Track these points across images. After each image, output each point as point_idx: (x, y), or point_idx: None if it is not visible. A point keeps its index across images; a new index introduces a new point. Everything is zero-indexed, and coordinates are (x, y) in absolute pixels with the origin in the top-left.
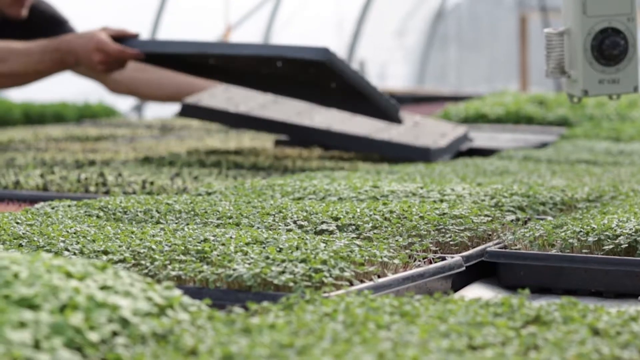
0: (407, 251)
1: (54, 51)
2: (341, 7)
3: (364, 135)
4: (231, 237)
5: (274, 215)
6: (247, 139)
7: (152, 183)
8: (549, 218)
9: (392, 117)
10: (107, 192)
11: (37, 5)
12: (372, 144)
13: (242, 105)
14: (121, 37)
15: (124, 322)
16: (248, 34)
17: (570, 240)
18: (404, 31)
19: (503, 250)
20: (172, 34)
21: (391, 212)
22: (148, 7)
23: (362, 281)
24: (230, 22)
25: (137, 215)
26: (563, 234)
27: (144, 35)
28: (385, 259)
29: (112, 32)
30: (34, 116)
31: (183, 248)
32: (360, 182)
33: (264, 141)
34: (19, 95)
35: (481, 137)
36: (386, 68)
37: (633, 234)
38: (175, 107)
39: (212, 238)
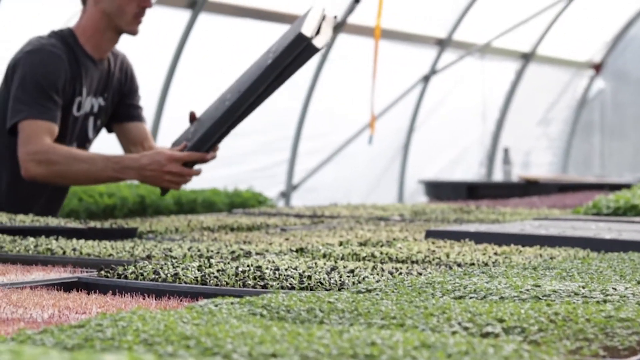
0: (576, 356)
1: (116, 163)
2: (485, 96)
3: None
4: (398, 341)
5: (437, 316)
6: (397, 230)
7: (309, 277)
8: None
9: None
10: (264, 287)
11: (131, 68)
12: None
13: None
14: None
15: None
16: (393, 122)
17: None
18: (547, 120)
19: None
20: (320, 125)
21: (556, 314)
22: (296, 97)
23: None
24: (374, 112)
25: (300, 314)
26: None
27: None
28: None
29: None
30: (185, 203)
31: (352, 352)
32: (520, 279)
33: (414, 232)
34: None
35: (634, 230)
36: (530, 156)
37: None
38: (323, 197)
39: (379, 341)
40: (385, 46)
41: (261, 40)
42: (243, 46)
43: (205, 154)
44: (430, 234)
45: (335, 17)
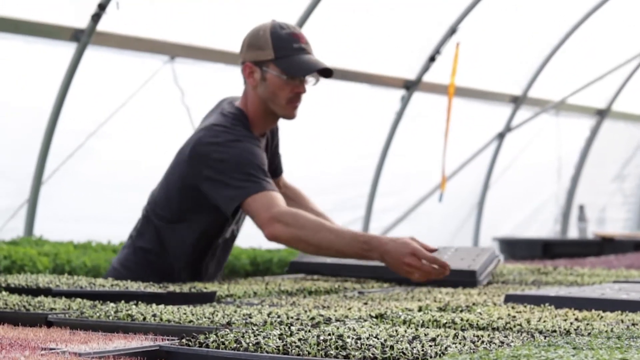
0: None
1: (364, 242)
2: (560, 153)
3: None
4: None
5: None
6: (476, 293)
7: (391, 347)
8: None
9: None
10: (346, 357)
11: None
12: None
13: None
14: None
15: None
16: (467, 179)
17: None
18: (622, 176)
19: None
20: (395, 182)
21: None
22: (371, 155)
23: None
24: (445, 171)
25: None
26: None
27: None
28: None
29: (420, 243)
30: (261, 263)
31: None
32: (606, 352)
33: (493, 296)
34: (245, 241)
35: None
36: (605, 212)
37: None
38: None
39: None
40: (460, 104)
41: (335, 100)
42: (318, 105)
43: (445, 265)
44: (509, 298)
45: (499, 260)
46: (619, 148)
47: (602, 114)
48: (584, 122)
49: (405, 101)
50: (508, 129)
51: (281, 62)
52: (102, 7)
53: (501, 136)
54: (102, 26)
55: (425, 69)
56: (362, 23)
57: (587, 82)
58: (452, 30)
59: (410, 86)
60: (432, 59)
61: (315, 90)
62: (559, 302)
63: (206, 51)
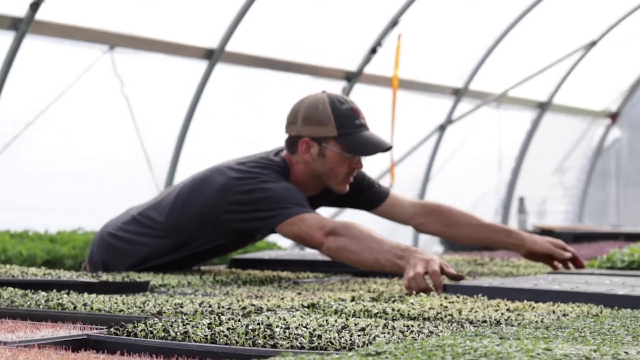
0: None
1: (402, 250)
2: (501, 145)
3: None
4: None
5: None
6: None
7: (319, 337)
8: None
9: None
10: (274, 346)
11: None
12: None
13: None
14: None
15: None
16: (408, 171)
17: None
18: (563, 169)
19: None
20: None
21: None
22: None
23: None
24: (394, 159)
25: None
26: None
27: None
28: None
29: (447, 267)
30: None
31: None
32: (531, 342)
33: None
34: None
35: None
36: (545, 205)
37: None
38: None
39: None
40: (400, 95)
41: (277, 91)
42: (259, 96)
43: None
44: (443, 289)
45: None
46: (559, 141)
47: (543, 107)
48: (525, 114)
49: (346, 93)
50: (449, 121)
51: (344, 140)
52: None
53: (442, 128)
54: (41, 15)
55: (367, 60)
56: (303, 14)
57: (529, 75)
58: (394, 22)
59: (352, 78)
60: (373, 50)
61: (257, 81)
62: (492, 293)
63: (146, 41)
